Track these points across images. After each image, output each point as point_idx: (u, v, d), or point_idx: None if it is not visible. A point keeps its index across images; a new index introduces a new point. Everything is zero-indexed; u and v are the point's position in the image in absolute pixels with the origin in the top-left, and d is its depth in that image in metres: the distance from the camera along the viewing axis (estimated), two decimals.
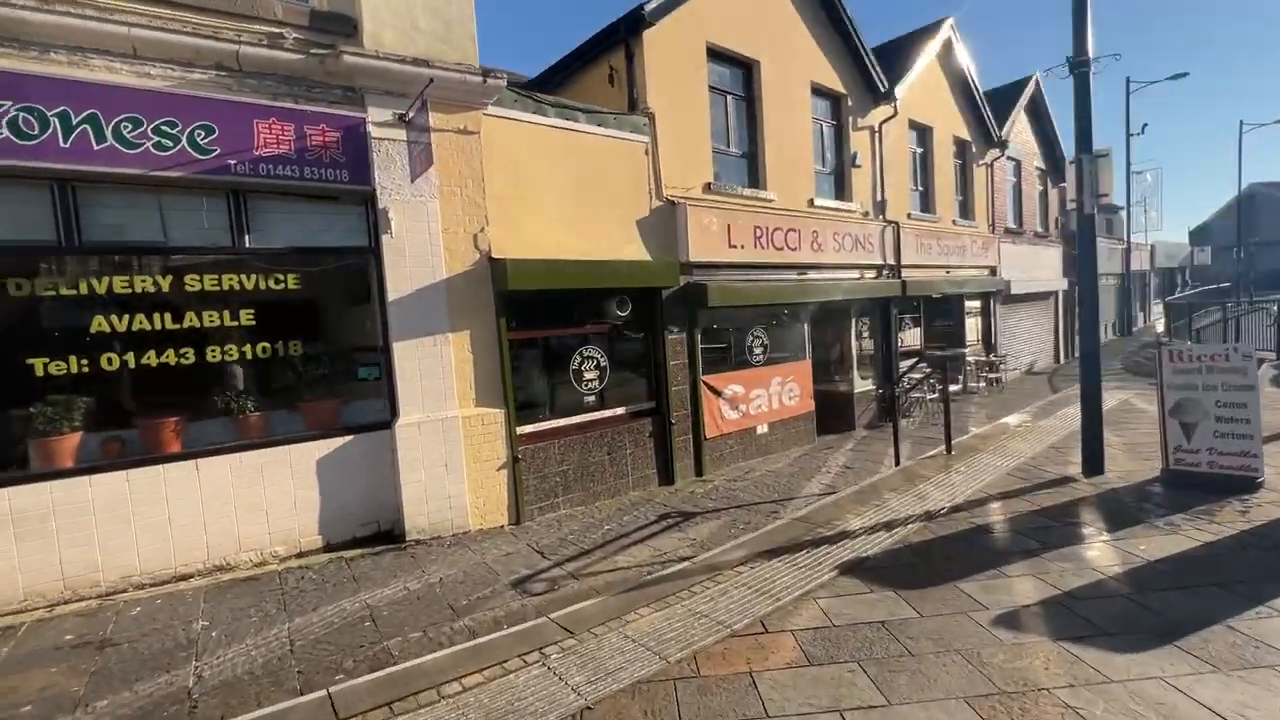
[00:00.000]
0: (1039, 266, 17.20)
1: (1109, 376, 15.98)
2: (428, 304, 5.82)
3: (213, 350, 5.11)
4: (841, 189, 10.83)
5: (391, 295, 5.65)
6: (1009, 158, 16.10)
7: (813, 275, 9.71)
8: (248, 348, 5.26)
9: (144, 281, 4.84)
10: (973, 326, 14.80)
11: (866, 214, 11.03)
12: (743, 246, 8.50)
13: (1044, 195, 18.34)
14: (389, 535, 5.78)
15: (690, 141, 8.07)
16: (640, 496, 7.32)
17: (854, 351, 10.99)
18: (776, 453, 9.24)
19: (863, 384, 11.12)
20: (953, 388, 12.26)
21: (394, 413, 5.72)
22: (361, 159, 5.43)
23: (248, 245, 5.20)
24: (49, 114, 4.27)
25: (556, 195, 6.75)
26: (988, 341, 15.05)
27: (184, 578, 4.91)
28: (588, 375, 7.16)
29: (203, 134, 4.76)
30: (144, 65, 4.66)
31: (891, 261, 11.35)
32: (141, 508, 4.74)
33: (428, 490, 5.79)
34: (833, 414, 11.06)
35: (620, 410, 7.47)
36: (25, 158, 4.22)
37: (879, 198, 11.32)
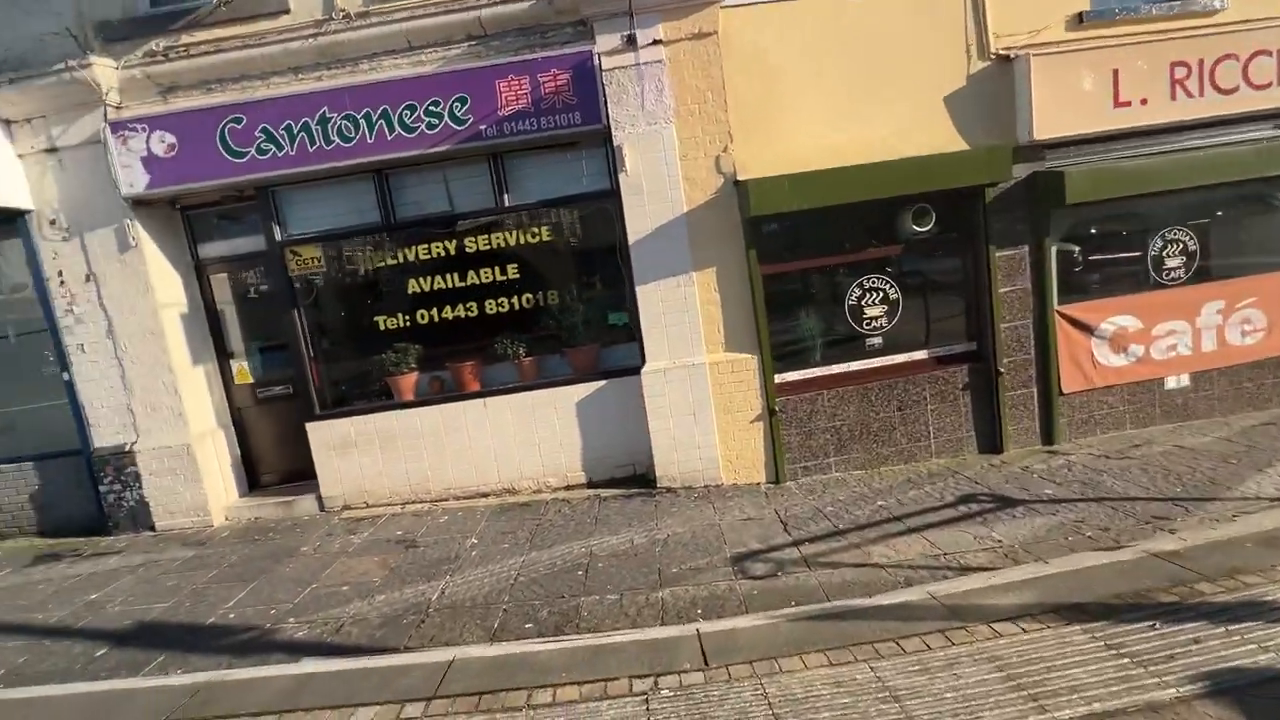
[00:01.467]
0: None
1: None
2: (668, 242, 5.38)
3: (490, 303, 5.76)
4: None
5: (632, 237, 5.40)
6: None
7: None
8: (516, 299, 5.77)
9: (438, 247, 5.69)
10: None
11: None
12: (1144, 102, 5.43)
13: None
14: (643, 479, 5.81)
15: None
16: (945, 466, 5.68)
17: None
18: (1205, 418, 6.03)
19: None
20: None
21: (643, 358, 5.59)
22: (591, 97, 5.19)
23: (507, 204, 5.60)
24: (358, 116, 5.22)
25: (823, 85, 5.35)
26: None
27: (483, 495, 5.87)
28: (870, 312, 5.74)
29: (459, 106, 5.20)
30: (416, 54, 5.28)
31: None
32: (450, 435, 5.78)
33: (676, 439, 5.56)
34: None
35: (919, 355, 5.83)
36: (346, 157, 5.28)
37: None
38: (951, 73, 5.42)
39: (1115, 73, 5.38)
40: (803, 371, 5.75)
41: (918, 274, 5.91)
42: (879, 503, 5.01)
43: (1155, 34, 5.45)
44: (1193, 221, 5.94)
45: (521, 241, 5.69)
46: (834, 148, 5.38)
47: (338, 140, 5.24)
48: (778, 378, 5.69)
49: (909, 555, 4.09)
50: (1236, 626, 2.85)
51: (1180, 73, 5.43)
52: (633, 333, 5.71)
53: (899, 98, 5.41)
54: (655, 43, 5.16)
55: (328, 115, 5.20)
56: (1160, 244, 5.93)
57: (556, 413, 5.75)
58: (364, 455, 5.80)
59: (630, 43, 5.13)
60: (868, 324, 5.76)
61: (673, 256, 5.41)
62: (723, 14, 5.20)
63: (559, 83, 5.16)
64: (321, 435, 5.82)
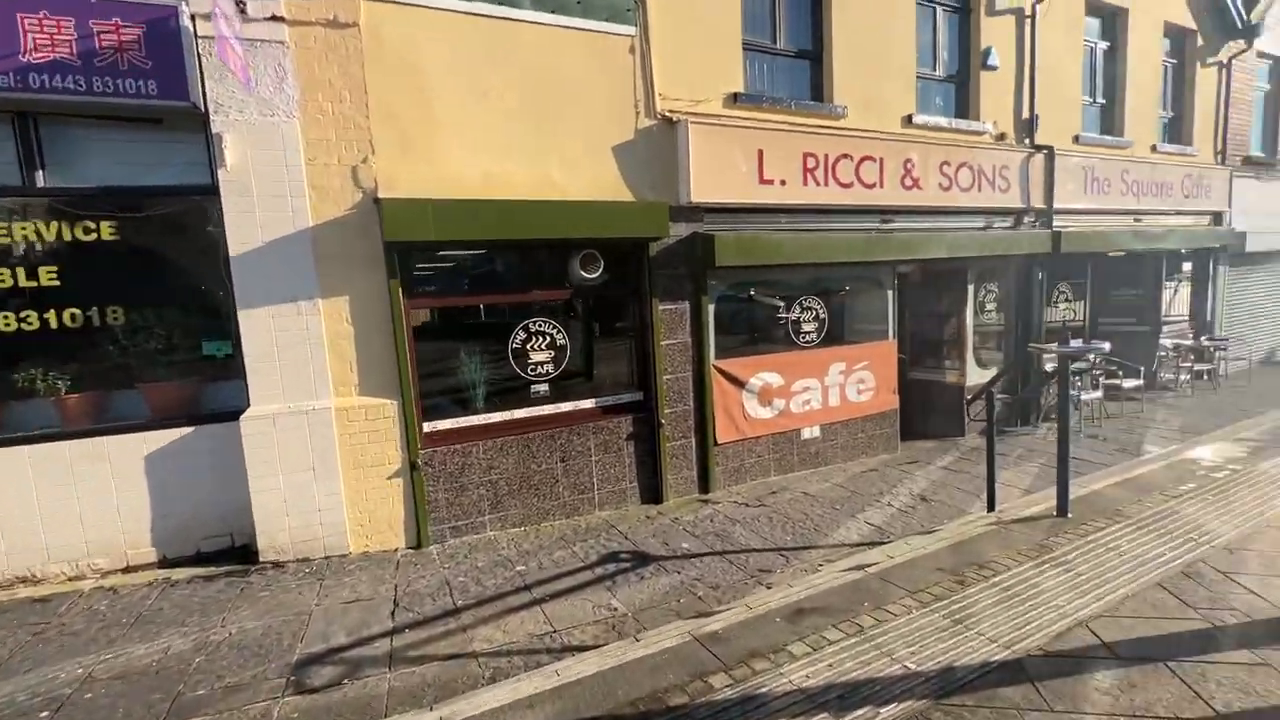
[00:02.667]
0: None
1: None
2: (286, 260, 4.41)
3: (7, 318, 4.14)
4: (963, 102, 7.72)
5: (235, 248, 4.31)
6: (1261, 55, 11.16)
7: (903, 224, 6.95)
8: (54, 315, 4.23)
9: None
10: (1177, 297, 10.63)
11: (1002, 136, 7.81)
12: (783, 182, 6.08)
13: None
14: (245, 552, 4.62)
15: (707, 34, 5.76)
16: (606, 519, 5.52)
17: (970, 329, 8.00)
18: (832, 464, 6.87)
19: (983, 373, 8.13)
20: (1130, 383, 8.73)
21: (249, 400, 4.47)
22: (175, 64, 4.06)
23: (40, 184, 4.11)
24: None
25: (490, 109, 4.95)
26: (1202, 318, 10.77)
27: None
28: (535, 357, 5.41)
29: None
30: None
31: (1039, 204, 8.03)
32: None
33: (288, 501, 4.51)
34: (935, 413, 8.26)
35: (586, 403, 5.65)
36: None
37: (1025, 114, 7.98)
38: (622, 124, 5.44)
39: (760, 152, 5.92)
40: (457, 420, 5.15)
41: (586, 321, 5.78)
42: (519, 568, 4.57)
43: (793, 125, 6.16)
44: (823, 293, 6.82)
45: (67, 237, 4.21)
46: (504, 178, 4.99)
47: None
48: (427, 426, 5.01)
49: (516, 637, 3.64)
50: None
51: (811, 163, 6.19)
52: (235, 367, 4.56)
53: (571, 138, 5.25)
54: (275, 19, 4.25)
55: None
56: (799, 310, 6.67)
57: (113, 469, 4.29)
58: None
59: (240, 9, 4.15)
60: (533, 370, 5.41)
61: (292, 277, 4.44)
62: (368, 7, 4.51)
63: (125, 37, 3.94)
64: None
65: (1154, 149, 9.55)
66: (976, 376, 8.03)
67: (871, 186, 6.60)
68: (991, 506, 5.00)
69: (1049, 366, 8.77)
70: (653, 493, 5.87)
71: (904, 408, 7.78)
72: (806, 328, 6.70)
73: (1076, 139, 8.55)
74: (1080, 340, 9.62)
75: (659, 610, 3.92)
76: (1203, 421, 8.01)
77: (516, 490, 5.28)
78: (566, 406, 5.55)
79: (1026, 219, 8.05)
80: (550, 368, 5.46)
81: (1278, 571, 3.33)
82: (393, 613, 3.93)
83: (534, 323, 5.36)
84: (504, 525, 5.26)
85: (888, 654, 2.78)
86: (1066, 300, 9.21)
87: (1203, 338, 10.55)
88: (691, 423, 6.00)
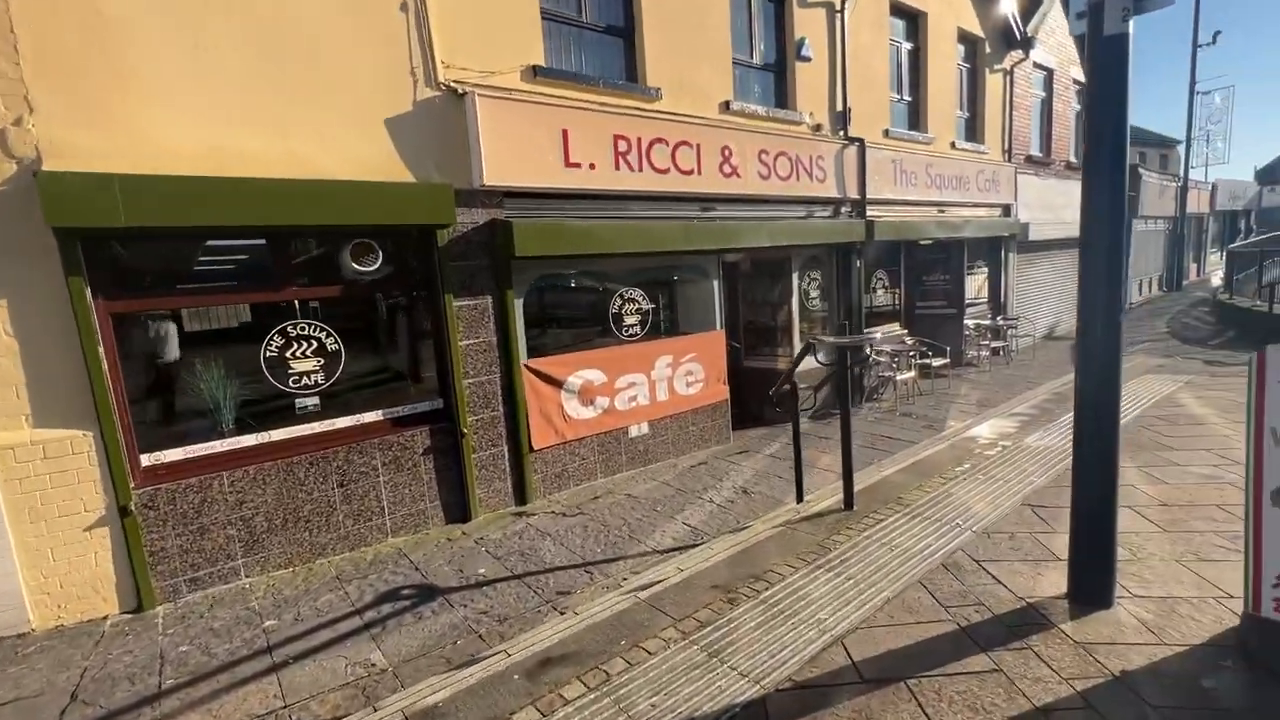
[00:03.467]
0: (1069, 206, 13.82)
1: (1148, 344, 12.86)
2: None
3: None
4: (781, 91, 7.78)
5: None
6: (1037, 65, 12.58)
7: (724, 212, 6.84)
8: None
9: None
10: (977, 282, 11.74)
11: (819, 127, 7.99)
12: (593, 166, 5.67)
13: (1081, 116, 14.73)
14: None
15: None
16: (400, 546, 4.84)
17: (796, 316, 8.17)
18: (662, 460, 6.65)
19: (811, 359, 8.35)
20: (939, 362, 9.42)
21: None
22: None
23: None
24: None
25: (208, 65, 4.01)
26: (997, 300, 11.99)
27: None
28: (299, 367, 4.57)
29: None
30: None
31: (854, 194, 8.35)
32: None
33: None
34: (769, 400, 8.38)
35: (370, 417, 4.90)
36: None
37: (839, 106, 8.24)
38: (396, 94, 4.71)
39: (566, 133, 5.45)
40: (191, 449, 4.21)
41: (367, 322, 5.02)
42: (268, 623, 3.79)
43: (603, 106, 5.76)
44: (646, 284, 6.54)
45: None
46: (240, 153, 4.08)
47: None
48: (147, 459, 4.04)
49: None
50: None
51: (623, 146, 5.83)
52: None
53: (329, 109, 4.43)
54: None
55: None
56: (620, 302, 6.34)
57: None
58: None
59: None
60: (296, 382, 4.57)
61: None
62: None
63: None
64: None
65: (953, 145, 10.37)
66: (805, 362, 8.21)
67: (689, 173, 6.39)
68: (800, 497, 4.96)
69: (869, 352, 9.26)
70: (460, 511, 5.27)
71: (741, 395, 7.79)
72: (629, 321, 6.39)
73: (886, 133, 9.00)
74: (898, 324, 10.32)
75: (428, 659, 3.36)
76: (995, 395, 8.81)
77: (280, 525, 4.44)
78: (344, 422, 4.77)
79: (844, 209, 8.34)
80: (320, 378, 4.64)
81: (1023, 555, 3.45)
82: (63, 712, 3.02)
83: (295, 326, 4.52)
84: (264, 568, 4.40)
85: (626, 710, 2.43)
86: (884, 287, 9.77)
87: (998, 318, 11.76)
88: (502, 429, 5.45)
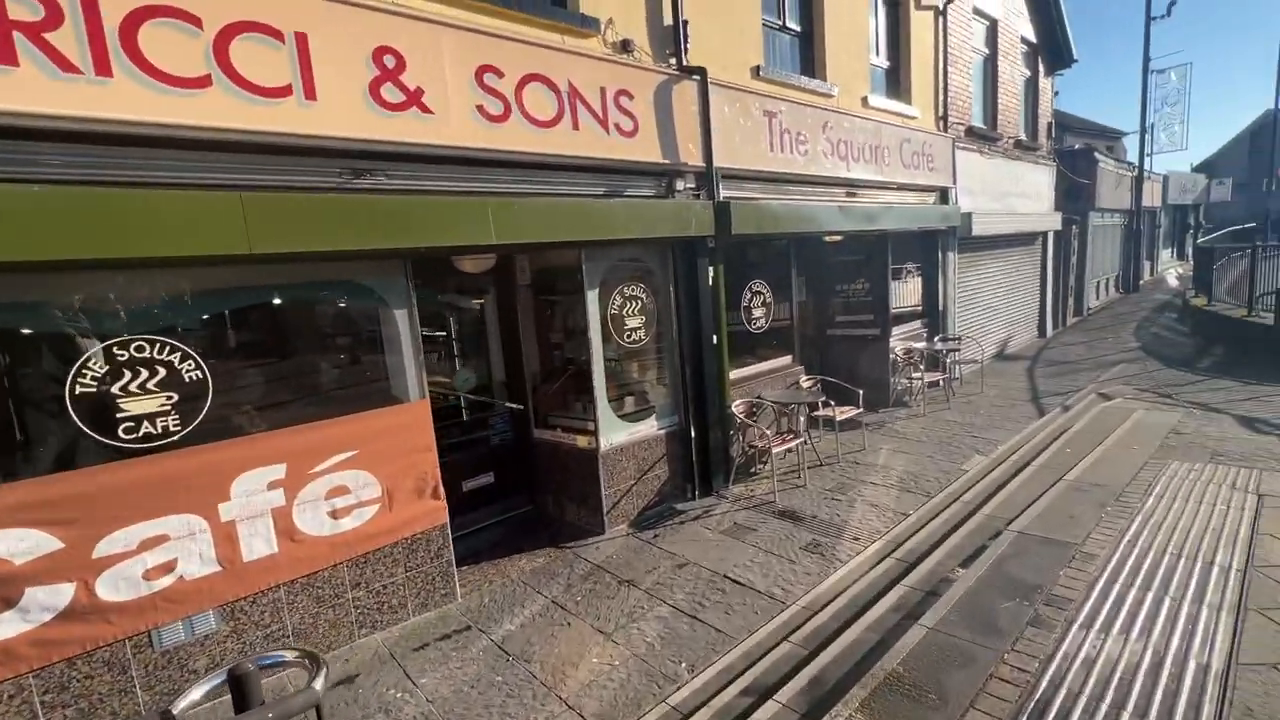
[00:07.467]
0: (1021, 194, 11.07)
1: (1123, 365, 10.17)
2: None
3: None
4: None
5: None
6: (977, 11, 9.74)
7: (401, 180, 3.56)
8: None
9: None
10: (907, 290, 8.77)
11: (626, 44, 4.78)
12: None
13: (1032, 85, 12.03)
14: None
15: None
16: None
17: (598, 359, 4.93)
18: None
19: (631, 426, 5.15)
20: (845, 413, 6.36)
21: None
22: None
23: None
24: None
25: None
26: (934, 313, 9.05)
27: None
28: None
29: None
30: None
31: (695, 162, 5.19)
32: None
33: None
34: (568, 495, 5.16)
35: None
36: None
37: (669, 18, 5.06)
38: None
39: None
40: None
41: None
42: None
43: None
44: (213, 323, 3.19)
45: None
46: None
47: None
48: None
49: None
50: None
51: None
52: None
53: None
54: None
55: None
56: (121, 373, 2.97)
57: None
58: None
59: None
60: None
61: None
62: None
63: None
64: None
65: (865, 102, 7.34)
66: (617, 432, 5.00)
67: (295, 96, 3.08)
68: None
69: (769, 403, 6.12)
70: None
71: (530, 488, 4.54)
72: (140, 408, 3.01)
73: (757, 72, 5.88)
74: (788, 357, 7.21)
75: None
76: (926, 465, 5.80)
77: None
78: None
79: (680, 184, 5.16)
80: None
81: None
82: None
83: None
84: None
85: None
86: (764, 303, 6.64)
87: (936, 339, 8.82)
88: None
